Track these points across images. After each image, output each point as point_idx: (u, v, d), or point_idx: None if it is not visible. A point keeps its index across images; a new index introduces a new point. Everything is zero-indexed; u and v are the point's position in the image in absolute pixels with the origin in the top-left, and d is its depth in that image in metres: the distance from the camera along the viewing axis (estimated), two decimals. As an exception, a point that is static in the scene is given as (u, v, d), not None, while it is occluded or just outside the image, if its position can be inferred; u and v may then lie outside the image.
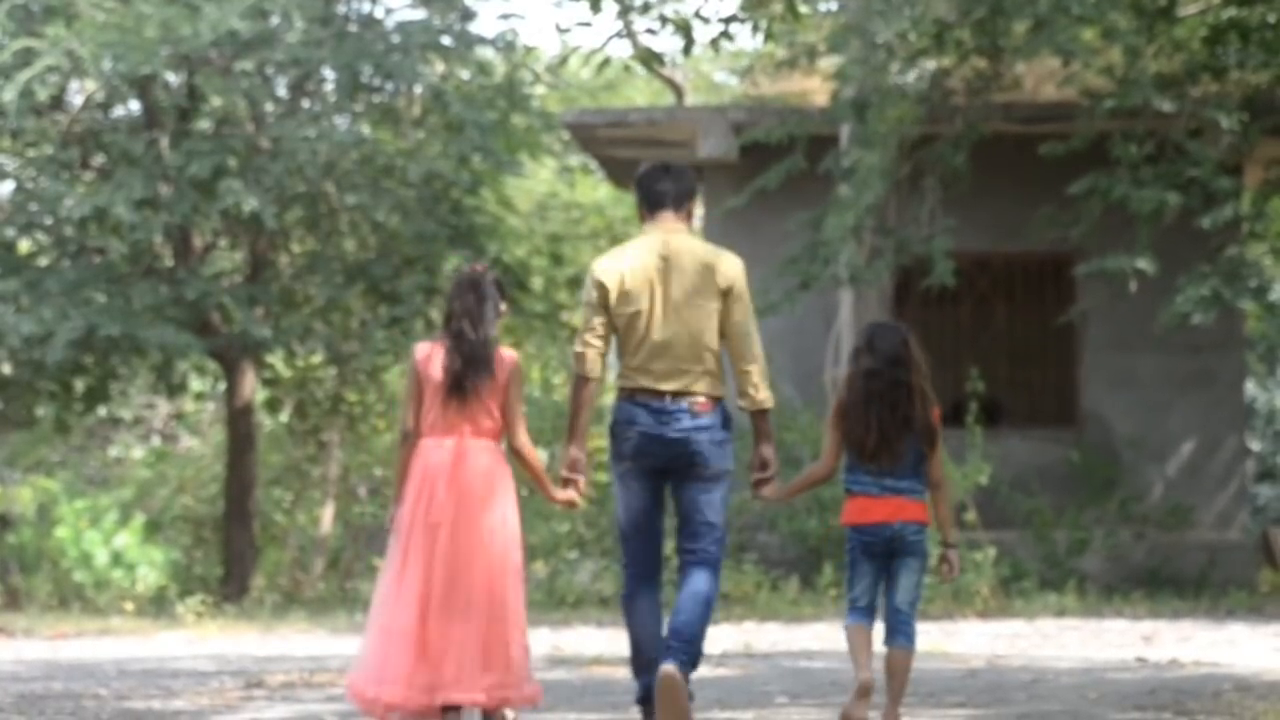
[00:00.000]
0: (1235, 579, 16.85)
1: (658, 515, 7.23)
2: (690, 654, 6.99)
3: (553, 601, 16.24)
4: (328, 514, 23.06)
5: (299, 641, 14.11)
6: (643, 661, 7.12)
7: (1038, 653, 11.39)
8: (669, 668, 6.85)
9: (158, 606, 19.29)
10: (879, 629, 7.13)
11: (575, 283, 23.82)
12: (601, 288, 7.16)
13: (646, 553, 7.19)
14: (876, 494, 7.03)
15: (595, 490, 15.92)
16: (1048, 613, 14.90)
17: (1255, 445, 23.45)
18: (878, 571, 7.05)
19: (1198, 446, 17.69)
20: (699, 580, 7.09)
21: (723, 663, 9.89)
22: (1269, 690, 8.58)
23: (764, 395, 7.12)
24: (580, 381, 7.17)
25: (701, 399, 7.10)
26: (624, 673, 8.64)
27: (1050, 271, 17.81)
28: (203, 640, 14.62)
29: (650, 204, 7.33)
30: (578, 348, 7.20)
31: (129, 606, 19.52)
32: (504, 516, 7.14)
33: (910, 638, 7.02)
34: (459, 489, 7.06)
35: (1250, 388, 23.10)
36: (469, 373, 7.07)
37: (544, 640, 12.32)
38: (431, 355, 7.15)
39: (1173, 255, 15.97)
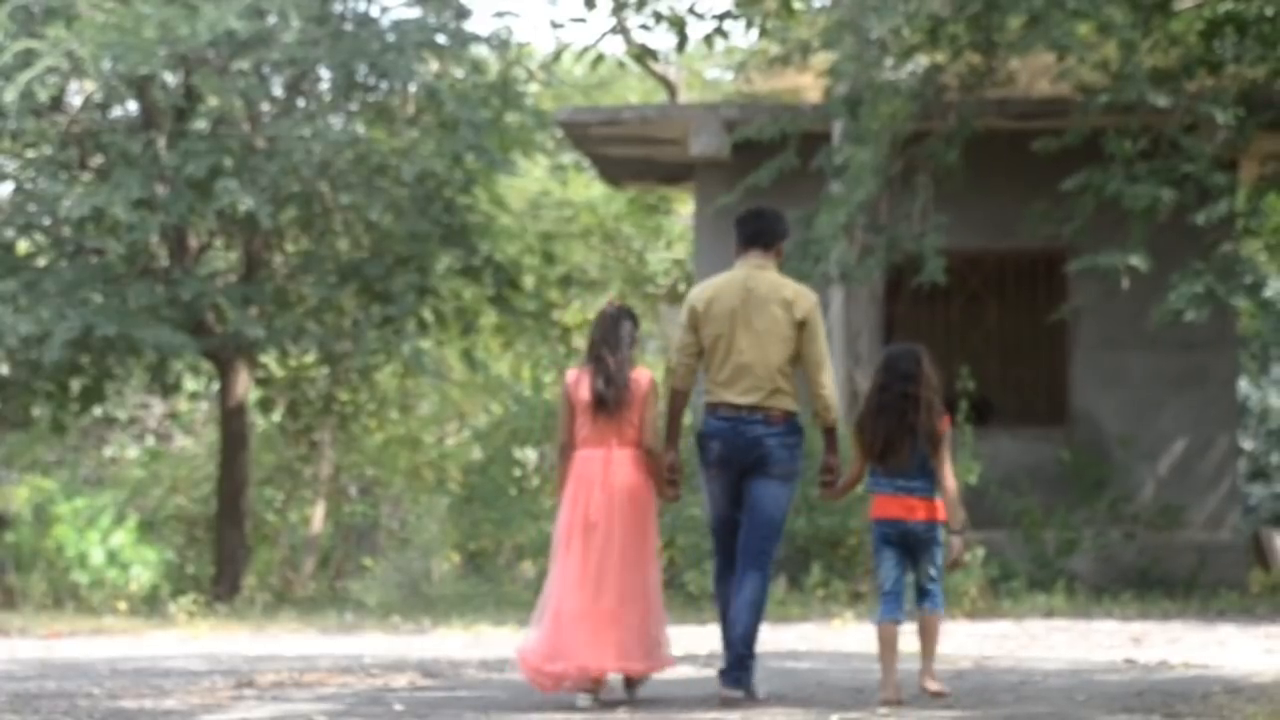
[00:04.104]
0: (1226, 580, 16.81)
1: (738, 512, 8.29)
2: (745, 668, 8.16)
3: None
4: (319, 513, 23.08)
5: (289, 641, 14.10)
6: (729, 636, 8.23)
7: (1025, 654, 11.35)
8: (728, 694, 8.12)
9: (150, 606, 19.31)
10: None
11: (567, 281, 23.80)
12: (692, 312, 8.33)
13: (731, 544, 8.30)
14: (891, 493, 8.09)
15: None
16: (1036, 613, 14.86)
17: (1247, 444, 23.40)
18: (899, 556, 8.08)
19: (1189, 446, 17.64)
20: (750, 585, 8.18)
21: (709, 663, 9.85)
22: (1259, 693, 8.55)
23: (833, 416, 8.30)
24: (674, 394, 8.39)
25: (776, 413, 8.22)
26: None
27: (1042, 268, 17.76)
28: (194, 639, 14.63)
29: (742, 242, 8.55)
30: (672, 364, 8.41)
31: (122, 606, 19.54)
32: (646, 515, 8.25)
33: (936, 604, 8.14)
34: (609, 492, 8.17)
35: (1243, 386, 23.07)
36: (610, 392, 8.18)
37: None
38: (580, 379, 8.30)
39: (1166, 252, 15.93)
